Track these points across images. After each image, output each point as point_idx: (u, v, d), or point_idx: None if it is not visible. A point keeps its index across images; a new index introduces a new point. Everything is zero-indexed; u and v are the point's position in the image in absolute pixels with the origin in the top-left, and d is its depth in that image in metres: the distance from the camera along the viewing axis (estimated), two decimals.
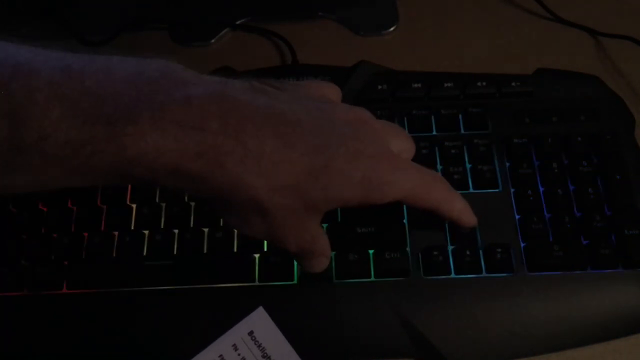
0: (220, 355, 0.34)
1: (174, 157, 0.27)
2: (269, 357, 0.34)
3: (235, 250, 0.40)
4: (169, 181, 0.28)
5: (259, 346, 0.34)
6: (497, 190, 0.42)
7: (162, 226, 0.41)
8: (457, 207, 0.36)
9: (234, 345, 0.34)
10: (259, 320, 0.35)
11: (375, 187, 0.31)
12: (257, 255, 0.40)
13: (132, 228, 0.41)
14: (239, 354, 0.34)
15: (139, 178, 0.28)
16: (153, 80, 0.27)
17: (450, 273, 0.39)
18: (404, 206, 0.41)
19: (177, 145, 0.27)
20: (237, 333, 0.34)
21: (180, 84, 0.28)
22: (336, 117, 0.32)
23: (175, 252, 0.40)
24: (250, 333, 0.34)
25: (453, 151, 0.43)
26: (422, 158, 0.43)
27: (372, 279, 0.39)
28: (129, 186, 0.42)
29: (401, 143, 0.36)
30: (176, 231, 0.41)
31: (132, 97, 0.26)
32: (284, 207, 0.30)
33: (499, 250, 0.39)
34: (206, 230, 0.41)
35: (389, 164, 0.32)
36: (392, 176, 0.32)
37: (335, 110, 0.33)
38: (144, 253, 0.40)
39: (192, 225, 0.41)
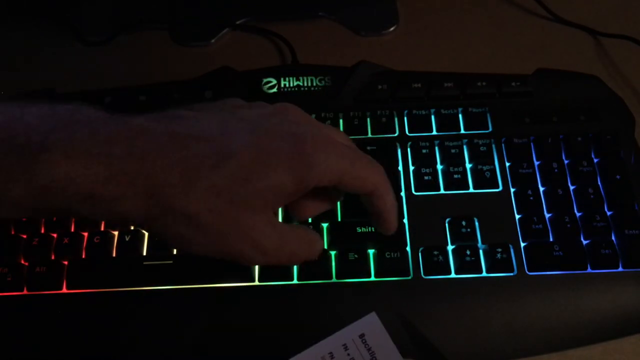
0: (330, 353, 0.34)
1: (85, 183, 0.28)
2: None
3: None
4: (86, 208, 0.29)
5: (369, 349, 0.34)
6: (497, 190, 0.42)
7: None
8: (390, 198, 0.34)
9: (344, 345, 0.35)
10: (371, 325, 0.35)
11: (305, 168, 0.30)
12: None
13: (132, 228, 0.41)
14: (348, 354, 0.34)
15: (55, 208, 0.28)
16: (65, 118, 0.29)
17: (450, 273, 0.39)
18: (404, 205, 0.41)
19: (86, 172, 0.28)
20: (349, 334, 0.35)
21: (90, 119, 0.29)
22: (252, 114, 0.32)
23: (174, 252, 0.40)
24: (362, 336, 0.35)
25: (453, 151, 0.43)
26: (423, 158, 0.43)
27: (372, 279, 0.39)
28: None
29: (339, 136, 0.34)
30: None
31: (44, 130, 0.28)
32: (211, 210, 0.29)
33: (499, 250, 0.39)
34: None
35: (317, 143, 0.31)
36: (322, 155, 0.30)
37: (254, 109, 0.33)
38: (144, 253, 0.40)
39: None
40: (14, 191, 0.27)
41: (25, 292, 0.39)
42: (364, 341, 0.35)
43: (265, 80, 0.48)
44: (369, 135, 0.44)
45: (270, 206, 0.31)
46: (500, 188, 0.42)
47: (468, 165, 0.43)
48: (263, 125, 0.31)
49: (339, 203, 0.41)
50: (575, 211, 0.41)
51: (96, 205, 0.28)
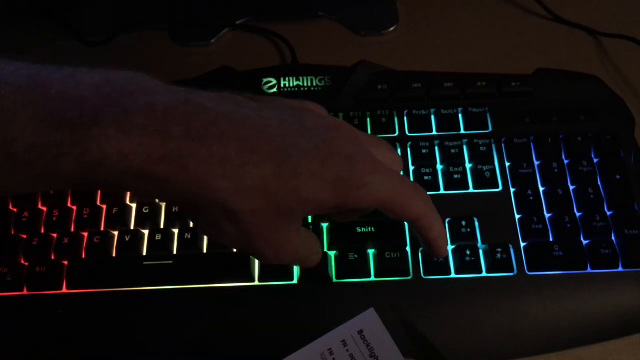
0: (330, 349, 0.34)
1: (138, 161, 0.27)
2: (377, 358, 0.34)
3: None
4: (135, 185, 0.28)
5: (368, 345, 0.34)
6: (497, 190, 0.42)
7: (161, 226, 0.41)
8: (437, 227, 0.34)
9: (344, 341, 0.35)
10: (370, 321, 0.35)
11: (351, 189, 0.30)
12: None
13: (132, 228, 0.41)
14: (347, 350, 0.34)
15: (104, 182, 0.28)
16: (118, 88, 0.28)
17: (450, 273, 0.39)
18: None
19: (140, 149, 0.27)
20: (347, 330, 0.35)
21: (146, 91, 0.28)
22: (309, 122, 0.32)
23: (174, 252, 0.40)
24: (360, 332, 0.35)
25: (453, 151, 0.43)
26: (423, 158, 0.43)
27: (372, 279, 0.39)
28: None
29: (386, 154, 0.34)
30: (176, 231, 0.41)
31: (97, 103, 0.27)
32: (254, 211, 0.29)
33: (499, 250, 0.39)
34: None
35: (366, 166, 0.31)
36: (369, 178, 0.31)
37: (311, 117, 0.33)
38: (144, 253, 0.40)
39: (191, 225, 0.41)
40: (64, 165, 0.26)
41: (25, 292, 0.40)
42: (362, 337, 0.35)
43: (265, 80, 0.48)
44: None
45: (306, 215, 0.31)
46: (500, 188, 0.42)
47: (468, 165, 0.43)
48: (320, 137, 0.31)
49: None
50: (575, 211, 0.41)
51: (146, 183, 0.28)
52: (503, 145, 0.44)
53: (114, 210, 0.41)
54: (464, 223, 0.40)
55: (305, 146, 0.30)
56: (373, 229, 0.40)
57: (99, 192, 0.42)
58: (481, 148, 0.43)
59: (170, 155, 0.27)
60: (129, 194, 0.42)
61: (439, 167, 0.43)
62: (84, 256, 0.40)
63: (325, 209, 0.31)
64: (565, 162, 0.42)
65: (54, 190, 0.41)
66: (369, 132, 0.45)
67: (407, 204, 0.33)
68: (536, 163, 0.43)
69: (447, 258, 0.39)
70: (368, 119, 0.45)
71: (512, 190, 0.42)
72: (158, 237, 0.40)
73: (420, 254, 0.39)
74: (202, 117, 0.28)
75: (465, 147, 0.43)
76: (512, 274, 0.39)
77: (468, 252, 0.39)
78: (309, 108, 0.35)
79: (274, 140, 0.29)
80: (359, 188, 0.31)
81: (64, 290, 0.39)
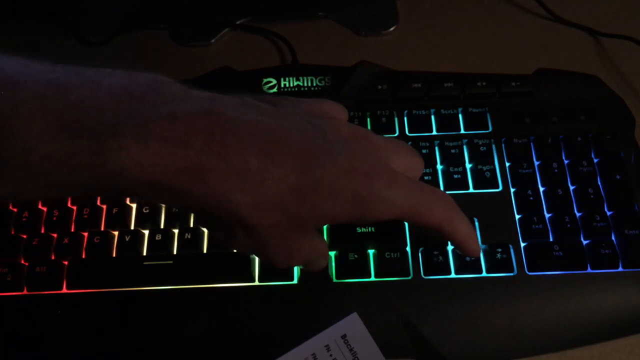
0: (313, 354, 0.34)
1: (157, 173, 0.27)
2: None
3: (235, 250, 0.40)
4: (151, 195, 0.28)
5: (351, 350, 0.35)
6: (497, 190, 0.42)
7: (161, 226, 0.41)
8: (462, 230, 0.34)
9: (327, 345, 0.35)
10: (353, 325, 0.36)
11: (368, 205, 0.30)
12: None
13: (132, 228, 0.41)
14: (330, 355, 0.34)
15: (121, 191, 0.28)
16: (139, 95, 0.27)
17: (450, 273, 0.39)
18: None
19: (159, 161, 0.26)
20: (331, 335, 0.35)
21: (167, 99, 0.28)
22: (330, 133, 0.32)
23: (174, 252, 0.40)
24: (344, 336, 0.35)
25: (453, 151, 0.43)
26: (422, 158, 0.43)
27: (372, 279, 0.39)
28: None
29: (405, 159, 0.34)
30: (176, 231, 0.41)
31: (117, 112, 0.26)
32: (270, 225, 0.29)
33: (499, 250, 0.39)
34: (206, 230, 0.41)
35: (384, 181, 0.31)
36: (386, 193, 0.31)
37: (331, 126, 0.32)
38: (144, 253, 0.40)
39: (192, 225, 0.41)
40: (82, 175, 0.26)
41: (25, 292, 0.40)
42: (346, 342, 0.35)
43: (265, 80, 0.48)
44: None
45: (320, 227, 0.31)
46: (500, 188, 0.42)
47: (468, 165, 0.43)
48: (340, 151, 0.31)
49: None
50: (575, 211, 0.41)
51: (162, 193, 0.28)
52: (503, 145, 0.44)
53: (114, 210, 0.41)
54: None
55: (325, 162, 0.30)
56: (373, 229, 0.40)
57: None
58: (481, 148, 0.43)
59: (190, 168, 0.27)
60: None
61: (439, 167, 0.43)
62: (84, 256, 0.40)
63: (340, 222, 0.31)
64: (565, 162, 0.42)
65: (67, 197, 0.41)
66: None
67: (427, 214, 0.33)
68: (536, 163, 0.43)
69: (446, 258, 0.39)
70: (368, 119, 0.45)
71: (512, 190, 0.42)
72: (158, 237, 0.40)
73: (420, 254, 0.39)
74: (223, 128, 0.28)
75: (465, 147, 0.43)
76: (512, 274, 0.39)
77: None
78: (330, 114, 0.35)
79: (294, 155, 0.29)
80: (377, 204, 0.31)
81: (64, 290, 0.39)
